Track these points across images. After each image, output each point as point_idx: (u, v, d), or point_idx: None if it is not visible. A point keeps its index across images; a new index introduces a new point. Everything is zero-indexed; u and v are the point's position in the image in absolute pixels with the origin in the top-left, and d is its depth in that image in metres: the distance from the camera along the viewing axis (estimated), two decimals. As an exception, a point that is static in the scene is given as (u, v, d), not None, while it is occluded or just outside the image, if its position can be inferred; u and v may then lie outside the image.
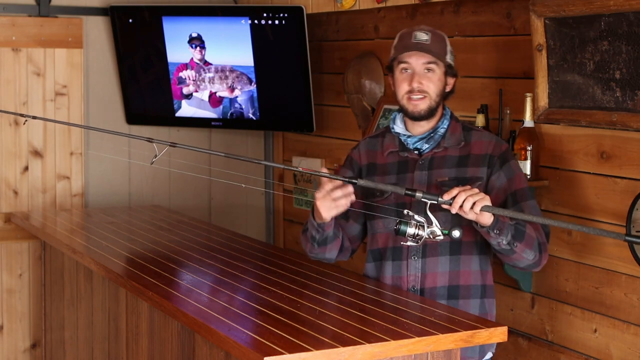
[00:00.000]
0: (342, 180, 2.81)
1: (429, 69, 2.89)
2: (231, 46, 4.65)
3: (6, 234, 4.68)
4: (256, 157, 5.23)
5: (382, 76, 4.31)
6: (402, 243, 2.78)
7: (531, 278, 3.49)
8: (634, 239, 2.64)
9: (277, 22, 4.46)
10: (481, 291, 2.93)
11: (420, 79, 2.89)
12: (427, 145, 2.96)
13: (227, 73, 4.69)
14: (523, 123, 3.36)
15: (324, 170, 2.81)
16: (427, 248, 2.89)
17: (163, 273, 3.29)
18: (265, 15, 4.48)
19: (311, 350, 2.36)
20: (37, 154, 4.70)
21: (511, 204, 2.86)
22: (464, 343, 2.57)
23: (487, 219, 2.68)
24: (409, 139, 2.99)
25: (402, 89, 2.92)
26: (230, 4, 4.93)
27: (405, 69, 2.91)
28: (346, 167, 3.12)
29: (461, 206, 2.65)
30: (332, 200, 2.82)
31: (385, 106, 4.25)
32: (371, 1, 3.87)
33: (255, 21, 4.52)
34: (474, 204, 2.65)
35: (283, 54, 4.53)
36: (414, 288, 2.93)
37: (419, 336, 2.50)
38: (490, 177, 2.89)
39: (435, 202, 2.69)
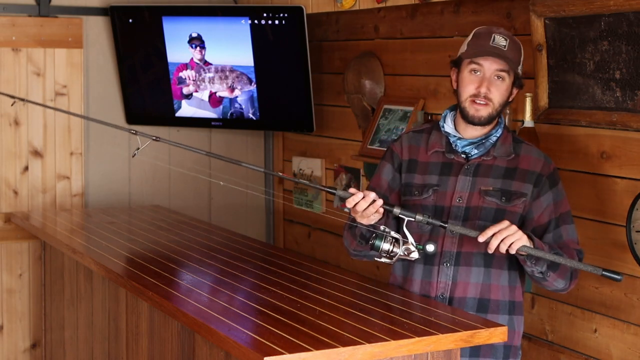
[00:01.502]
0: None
1: (499, 77, 2.80)
2: (231, 46, 4.65)
3: (6, 234, 4.67)
4: (256, 157, 5.23)
5: (382, 76, 4.31)
6: (376, 259, 2.77)
7: (531, 278, 3.50)
8: (609, 275, 2.62)
9: (277, 22, 4.46)
10: (509, 307, 2.87)
11: (490, 85, 2.79)
12: (476, 151, 2.88)
13: (227, 73, 4.69)
14: (523, 123, 3.36)
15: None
16: (461, 256, 2.83)
17: (163, 273, 3.29)
18: (265, 15, 4.48)
19: (311, 350, 2.36)
20: (37, 154, 4.70)
21: (553, 227, 2.82)
22: (464, 343, 2.57)
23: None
24: (458, 141, 2.89)
25: (468, 90, 2.81)
26: (230, 4, 4.93)
27: (476, 70, 2.81)
28: (386, 160, 2.99)
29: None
30: (362, 216, 2.75)
31: (385, 106, 4.25)
32: (371, 1, 3.87)
33: (255, 21, 4.52)
34: (510, 244, 2.64)
35: (283, 54, 4.53)
36: (442, 296, 2.86)
37: (419, 336, 2.50)
38: (539, 197, 2.82)
39: (473, 236, 2.69)
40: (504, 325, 2.65)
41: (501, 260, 2.85)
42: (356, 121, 4.49)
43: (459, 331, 2.56)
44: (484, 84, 2.79)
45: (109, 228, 4.19)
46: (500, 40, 2.80)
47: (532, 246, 2.67)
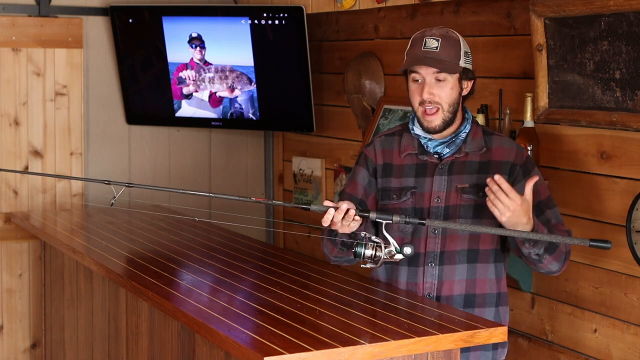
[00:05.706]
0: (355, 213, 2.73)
1: (438, 79, 2.81)
2: (231, 46, 4.65)
3: (6, 234, 4.67)
4: (256, 157, 5.24)
5: (382, 76, 4.31)
6: (362, 265, 2.76)
7: (531, 278, 3.49)
8: (597, 244, 2.61)
9: (277, 22, 4.46)
10: (496, 299, 2.90)
11: (431, 89, 2.81)
12: (447, 150, 2.89)
13: (227, 73, 4.69)
14: (523, 123, 3.36)
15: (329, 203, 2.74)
16: (445, 255, 2.85)
17: (163, 273, 3.29)
18: (265, 15, 4.48)
19: (311, 350, 2.36)
20: (37, 154, 4.70)
21: (538, 213, 2.79)
22: (464, 343, 2.57)
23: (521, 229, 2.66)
24: (429, 142, 2.90)
25: (415, 99, 2.86)
26: (230, 4, 4.93)
27: (417, 78, 2.84)
28: (361, 165, 3.01)
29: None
30: (342, 226, 2.76)
31: (385, 106, 4.25)
32: (371, 1, 3.87)
33: (255, 21, 4.52)
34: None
35: (283, 54, 4.53)
36: (429, 295, 2.88)
37: (419, 336, 2.50)
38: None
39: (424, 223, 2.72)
40: (504, 325, 2.65)
41: (486, 254, 2.87)
42: (356, 121, 4.49)
43: (459, 331, 2.56)
44: (426, 89, 2.82)
45: (109, 228, 4.19)
46: (432, 43, 2.81)
47: (530, 229, 2.66)
